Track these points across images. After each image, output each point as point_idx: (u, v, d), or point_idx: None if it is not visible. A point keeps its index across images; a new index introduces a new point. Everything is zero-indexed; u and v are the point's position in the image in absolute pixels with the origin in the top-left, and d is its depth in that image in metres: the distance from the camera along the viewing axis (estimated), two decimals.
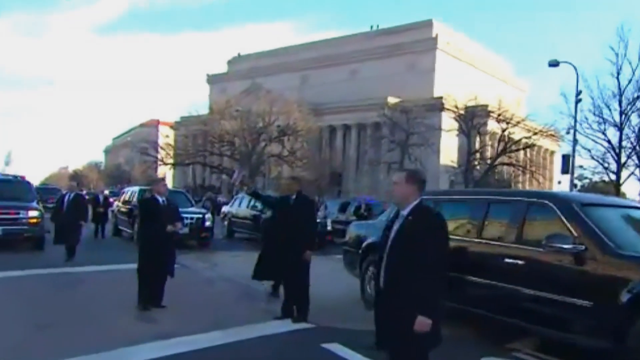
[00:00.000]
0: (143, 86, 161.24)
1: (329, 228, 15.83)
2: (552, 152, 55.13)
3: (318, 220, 15.44)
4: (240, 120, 47.60)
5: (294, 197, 6.58)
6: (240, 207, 17.74)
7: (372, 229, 7.72)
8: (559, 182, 51.35)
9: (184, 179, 61.07)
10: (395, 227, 3.27)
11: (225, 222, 18.12)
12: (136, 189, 16.13)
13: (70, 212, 10.98)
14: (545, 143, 46.56)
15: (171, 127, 70.64)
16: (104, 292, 7.96)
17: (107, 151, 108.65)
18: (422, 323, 3.05)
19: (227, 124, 48.70)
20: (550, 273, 4.78)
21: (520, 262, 5.06)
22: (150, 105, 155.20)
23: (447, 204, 6.46)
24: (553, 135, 43.17)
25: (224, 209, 18.98)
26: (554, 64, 24.72)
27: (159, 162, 54.66)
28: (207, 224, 14.32)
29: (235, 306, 7.44)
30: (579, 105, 25.48)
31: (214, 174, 56.03)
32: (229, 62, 79.67)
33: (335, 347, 5.39)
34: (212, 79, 78.36)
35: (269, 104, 48.17)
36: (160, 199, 6.87)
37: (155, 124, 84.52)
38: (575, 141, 23.91)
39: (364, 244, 7.46)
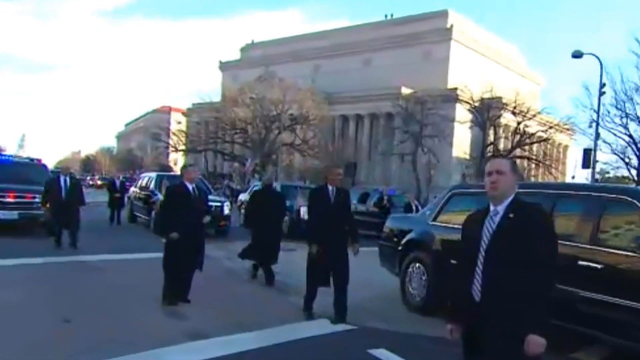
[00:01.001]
0: (155, 73, 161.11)
1: None
2: (566, 147, 54.27)
3: None
4: (253, 108, 47.00)
5: (333, 189, 6.02)
6: None
7: (414, 223, 7.21)
8: (573, 177, 50.66)
9: (195, 165, 60.77)
10: (490, 226, 2.69)
11: (242, 211, 17.59)
12: (153, 175, 15.71)
13: (70, 196, 10.29)
14: (559, 137, 45.69)
15: (183, 113, 70.31)
16: (125, 282, 7.51)
17: (119, 137, 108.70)
18: (537, 343, 2.47)
19: (239, 112, 48.18)
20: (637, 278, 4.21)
21: (597, 265, 4.50)
22: (162, 91, 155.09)
23: (464, 197, 6.08)
24: (568, 130, 42.32)
25: (241, 197, 18.51)
26: (577, 55, 23.88)
27: (171, 149, 54.32)
28: (226, 212, 13.93)
29: (265, 302, 6.99)
30: (601, 98, 24.68)
31: (226, 161, 55.65)
32: (242, 50, 78.96)
33: (384, 354, 4.89)
34: (224, 66, 77.77)
35: (282, 92, 47.55)
36: (190, 187, 6.34)
37: (167, 111, 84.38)
38: (597, 135, 23.16)
39: (405, 240, 6.89)
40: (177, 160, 73.98)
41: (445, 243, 6.20)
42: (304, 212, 15.00)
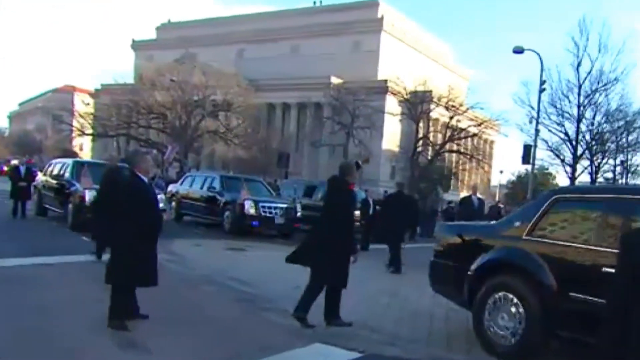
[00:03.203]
0: (54, 50, 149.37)
1: (299, 214, 14.18)
2: (493, 142, 56.48)
3: (285, 206, 14.29)
4: (173, 92, 44.27)
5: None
6: (192, 187, 16.10)
7: (491, 235, 5.40)
8: (501, 172, 53.05)
9: (104, 152, 56.85)
10: None
11: (173, 203, 16.10)
12: (69, 161, 13.66)
13: None
14: (487, 133, 47.38)
15: (90, 94, 65.47)
16: (50, 299, 5.87)
17: (12, 117, 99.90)
18: None
19: (157, 95, 45.20)
20: None
21: None
22: (62, 70, 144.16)
23: (578, 203, 4.91)
24: (496, 126, 43.85)
25: (171, 187, 16.97)
26: (518, 50, 24.31)
27: (76, 132, 50.07)
28: (160, 206, 12.22)
29: (240, 323, 5.72)
30: (534, 97, 25.49)
31: (141, 148, 52.49)
32: (158, 29, 75.20)
33: None
34: (138, 46, 73.61)
35: (205, 77, 45.36)
36: (146, 180, 5.23)
37: (70, 90, 78.51)
38: (537, 131, 23.74)
39: (482, 260, 5.21)
40: (82, 145, 68.82)
41: (560, 268, 4.62)
42: (249, 206, 13.76)
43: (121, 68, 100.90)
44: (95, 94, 63.29)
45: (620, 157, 29.50)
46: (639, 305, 1.92)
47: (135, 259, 4.92)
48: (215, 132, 45.36)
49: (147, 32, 76.53)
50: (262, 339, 5.09)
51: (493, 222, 6.39)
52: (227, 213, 14.05)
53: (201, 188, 15.41)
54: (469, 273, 5.23)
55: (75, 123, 49.73)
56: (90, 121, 49.57)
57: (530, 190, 23.85)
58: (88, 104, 56.99)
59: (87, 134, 49.96)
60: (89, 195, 10.61)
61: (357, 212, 14.29)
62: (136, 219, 4.91)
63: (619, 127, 28.38)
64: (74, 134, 51.83)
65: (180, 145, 38.75)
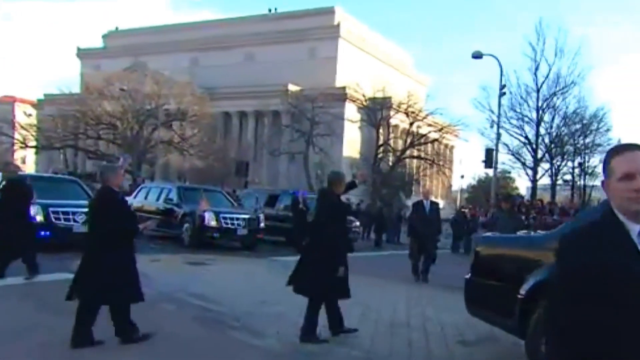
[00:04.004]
0: None
1: (262, 225, 13.83)
2: (452, 147, 57.51)
3: (248, 216, 13.91)
4: (123, 102, 43.49)
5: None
6: (147, 199, 15.58)
7: (540, 248, 4.55)
8: (462, 177, 54.02)
9: (49, 165, 54.86)
10: None
11: None
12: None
13: None
14: (447, 138, 48.26)
15: (33, 105, 63.25)
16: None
17: None
18: None
19: (107, 105, 44.44)
20: None
21: None
22: (1, 80, 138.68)
23: None
24: (454, 132, 44.66)
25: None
26: (477, 56, 24.75)
27: (18, 144, 48.18)
28: None
29: (206, 342, 5.32)
30: (494, 101, 26.00)
31: (90, 160, 51.04)
32: (105, 37, 73.56)
33: None
34: (84, 54, 71.72)
35: (157, 85, 44.75)
36: (120, 193, 5.36)
37: (10, 101, 75.39)
38: (498, 135, 24.17)
39: (535, 281, 4.39)
40: (25, 158, 66.13)
41: None
42: (209, 217, 13.29)
43: (66, 77, 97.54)
44: (38, 105, 61.61)
45: (578, 160, 30.48)
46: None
47: (112, 274, 4.79)
48: (170, 142, 44.95)
49: (94, 40, 74.46)
50: None
51: (541, 233, 5.69)
52: (186, 225, 13.63)
53: (157, 200, 14.94)
54: (520, 297, 4.47)
55: (17, 135, 47.90)
56: (33, 133, 47.89)
57: (493, 193, 24.21)
58: (30, 115, 55.00)
59: (30, 147, 48.27)
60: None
61: None
62: (113, 231, 4.81)
63: (576, 130, 29.34)
64: (15, 147, 49.89)
65: (132, 156, 37.96)
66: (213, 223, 13.12)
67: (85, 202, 10.31)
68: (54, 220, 10.67)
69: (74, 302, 4.79)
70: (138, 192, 16.46)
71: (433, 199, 12.16)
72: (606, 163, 1.59)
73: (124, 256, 4.89)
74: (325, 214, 5.61)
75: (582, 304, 1.46)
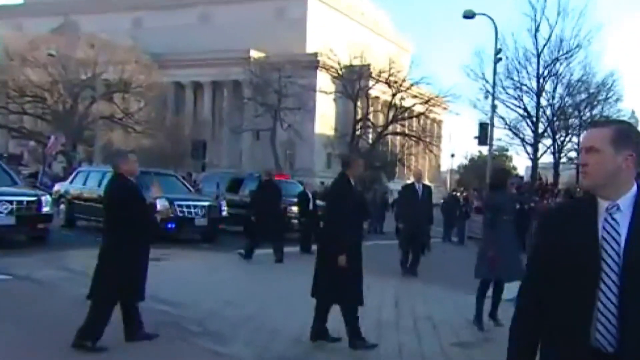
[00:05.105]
0: None
1: (224, 213, 13.80)
2: (441, 122, 58.14)
3: (208, 204, 13.84)
4: (52, 69, 42.66)
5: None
6: (86, 185, 15.34)
7: None
8: (452, 155, 54.56)
9: None
10: (613, 230, 1.87)
11: (62, 206, 15.45)
12: None
13: None
14: (435, 111, 48.69)
15: None
16: None
17: None
18: None
19: (31, 73, 43.50)
20: None
21: None
22: None
23: None
24: (443, 104, 45.00)
25: (58, 186, 16.27)
26: (469, 15, 24.83)
27: None
28: (46, 209, 11.67)
29: (168, 351, 5.33)
30: (488, 68, 26.24)
31: (13, 139, 50.20)
32: None
33: None
34: (1, 12, 69.47)
35: (94, 51, 44.14)
36: (134, 181, 5.55)
37: None
38: (493, 107, 24.39)
39: None
40: None
41: None
42: (162, 206, 13.13)
43: None
44: None
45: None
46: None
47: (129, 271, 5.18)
48: (111, 118, 44.53)
49: None
50: None
51: None
52: None
53: (99, 186, 14.27)
54: None
55: None
56: None
57: (488, 174, 24.49)
58: None
59: None
60: None
61: (295, 208, 14.16)
62: (132, 226, 5.14)
63: (581, 101, 29.79)
64: None
65: (65, 134, 37.37)
66: (167, 212, 12.96)
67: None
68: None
69: None
70: (75, 177, 16.22)
71: (425, 181, 12.20)
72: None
73: (141, 252, 5.26)
74: (334, 205, 5.69)
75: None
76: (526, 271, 2.09)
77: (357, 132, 41.94)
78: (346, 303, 5.56)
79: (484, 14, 25.18)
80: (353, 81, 40.61)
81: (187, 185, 16.22)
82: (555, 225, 1.96)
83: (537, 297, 1.96)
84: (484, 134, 24.27)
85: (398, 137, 45.79)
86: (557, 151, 29.93)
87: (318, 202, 15.47)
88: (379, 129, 41.67)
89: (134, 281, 5.27)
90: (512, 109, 29.13)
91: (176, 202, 13.22)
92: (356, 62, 41.94)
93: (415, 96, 44.00)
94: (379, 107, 46.38)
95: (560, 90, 29.38)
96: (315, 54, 50.58)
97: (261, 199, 11.88)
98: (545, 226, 2.03)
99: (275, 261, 10.99)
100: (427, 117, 46.43)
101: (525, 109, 28.97)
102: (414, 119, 44.29)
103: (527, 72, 28.62)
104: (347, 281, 5.46)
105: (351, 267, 5.46)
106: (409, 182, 11.40)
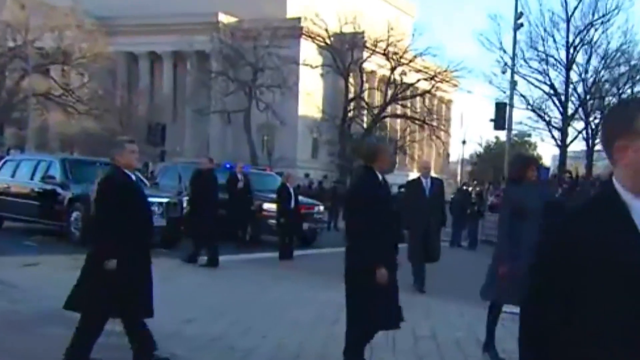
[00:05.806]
0: None
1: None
2: (450, 102, 58.37)
3: (166, 200, 13.97)
4: None
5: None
6: (15, 177, 15.72)
7: None
8: (464, 142, 54.79)
9: None
10: None
11: None
12: None
13: None
14: (442, 89, 48.87)
15: None
16: None
17: None
18: None
19: None
20: None
21: None
22: None
23: None
24: (453, 80, 45.16)
25: None
26: None
27: None
28: None
29: None
30: (507, 36, 26.33)
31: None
32: None
33: None
34: None
35: (23, 11, 44.32)
36: (133, 177, 5.82)
37: None
38: (513, 83, 24.52)
39: None
40: None
41: None
42: None
43: None
44: None
45: None
46: None
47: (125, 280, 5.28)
48: (47, 96, 44.77)
49: None
50: None
51: None
52: (74, 215, 13.78)
53: (31, 178, 14.99)
54: None
55: None
56: None
57: (506, 164, 24.62)
58: None
59: None
60: None
61: (272, 206, 14.19)
62: (129, 227, 5.32)
63: (621, 75, 29.88)
64: None
65: None
66: None
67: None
68: None
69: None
70: (2, 167, 16.42)
71: (433, 174, 12.01)
72: (627, 120, 1.66)
73: (141, 258, 5.43)
74: (362, 211, 5.25)
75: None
76: (535, 311, 1.83)
77: (349, 114, 42.07)
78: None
79: None
80: (344, 52, 40.70)
81: (142, 177, 16.23)
82: (584, 237, 1.72)
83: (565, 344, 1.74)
84: (501, 116, 24.43)
85: (398, 121, 45.94)
86: (591, 137, 29.95)
87: (301, 198, 15.71)
88: (376, 111, 41.78)
89: (133, 293, 5.36)
90: (535, 85, 29.37)
91: None
92: (347, 29, 42.01)
93: (419, 71, 44.15)
94: (376, 84, 46.53)
95: (594, 62, 29.56)
96: (298, 19, 50.54)
97: (197, 191, 12.47)
98: (565, 242, 1.75)
99: (206, 264, 11.61)
100: (433, 95, 46.60)
101: (551, 86, 29.13)
102: (418, 99, 44.45)
103: (554, 40, 28.81)
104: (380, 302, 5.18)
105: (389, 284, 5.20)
106: (413, 176, 11.23)
